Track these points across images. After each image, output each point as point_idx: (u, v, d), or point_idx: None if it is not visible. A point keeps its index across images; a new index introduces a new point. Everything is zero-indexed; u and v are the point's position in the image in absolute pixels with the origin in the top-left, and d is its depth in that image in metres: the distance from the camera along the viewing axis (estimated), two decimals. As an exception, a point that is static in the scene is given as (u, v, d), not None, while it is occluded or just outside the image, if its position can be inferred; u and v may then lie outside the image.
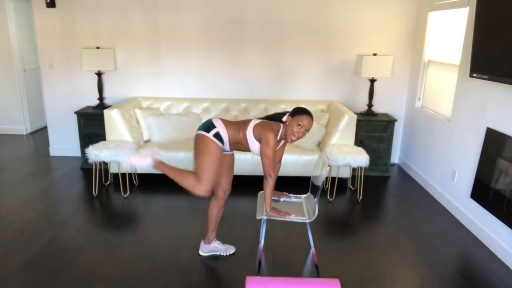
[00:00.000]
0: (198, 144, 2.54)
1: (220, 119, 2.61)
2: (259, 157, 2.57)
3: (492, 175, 3.11)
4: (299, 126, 2.47)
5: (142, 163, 2.53)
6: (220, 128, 2.54)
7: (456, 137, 3.73)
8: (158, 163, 2.56)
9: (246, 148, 2.61)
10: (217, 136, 2.52)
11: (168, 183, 4.32)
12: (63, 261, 2.83)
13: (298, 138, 2.49)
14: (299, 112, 2.50)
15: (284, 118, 2.54)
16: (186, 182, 2.48)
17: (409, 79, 4.91)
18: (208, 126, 2.55)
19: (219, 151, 2.53)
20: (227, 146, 2.59)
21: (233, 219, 3.50)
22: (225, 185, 2.77)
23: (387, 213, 3.73)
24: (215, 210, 2.84)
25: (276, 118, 2.61)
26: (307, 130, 2.49)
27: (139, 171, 4.21)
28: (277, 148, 2.60)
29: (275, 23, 4.70)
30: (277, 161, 2.79)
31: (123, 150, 3.80)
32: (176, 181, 2.52)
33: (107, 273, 2.70)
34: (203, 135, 2.53)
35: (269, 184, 2.52)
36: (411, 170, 4.73)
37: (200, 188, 2.46)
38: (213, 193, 2.81)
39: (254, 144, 2.54)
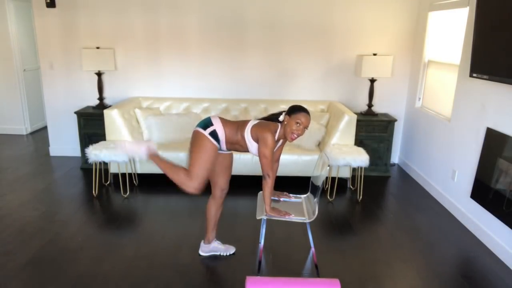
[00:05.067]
0: (194, 140, 2.54)
1: (220, 118, 2.60)
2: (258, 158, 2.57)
3: (492, 175, 3.11)
4: (298, 124, 2.46)
5: (137, 150, 2.53)
6: (218, 126, 2.54)
7: (456, 137, 3.73)
8: (152, 154, 2.56)
9: (244, 149, 2.60)
10: (214, 134, 2.51)
11: (168, 183, 4.33)
12: (63, 261, 2.83)
13: (298, 136, 2.49)
14: (296, 110, 2.50)
15: (281, 118, 2.54)
16: (178, 178, 2.49)
17: (409, 79, 4.91)
18: (206, 123, 2.55)
19: (214, 150, 2.53)
20: (223, 145, 2.58)
21: (233, 219, 3.50)
22: (223, 184, 2.77)
23: (387, 213, 3.73)
24: (213, 210, 2.84)
25: (272, 119, 2.61)
26: (306, 127, 2.49)
27: (138, 171, 4.21)
28: (275, 149, 2.60)
29: (275, 23, 4.70)
30: (275, 160, 2.79)
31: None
32: (168, 175, 2.52)
33: (107, 273, 2.70)
34: (199, 132, 2.52)
35: (268, 184, 2.52)
36: (411, 170, 4.73)
37: (191, 185, 2.46)
38: (210, 192, 2.82)
39: (252, 145, 2.54)
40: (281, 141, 2.65)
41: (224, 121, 2.58)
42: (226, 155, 2.71)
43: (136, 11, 4.68)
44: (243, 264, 2.84)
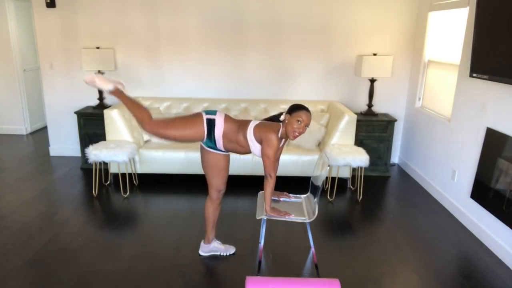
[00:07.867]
0: (191, 115, 2.63)
1: (225, 114, 2.62)
2: (259, 157, 2.58)
3: (492, 175, 3.11)
4: (299, 122, 2.48)
5: (103, 86, 2.54)
6: (219, 119, 2.56)
7: (456, 137, 3.73)
8: (118, 91, 2.57)
9: (245, 150, 2.60)
10: (210, 123, 2.54)
11: (168, 183, 4.35)
12: (63, 261, 2.83)
13: (300, 134, 2.50)
14: (296, 108, 2.51)
15: (282, 117, 2.55)
16: (140, 115, 2.53)
17: (409, 79, 4.91)
18: (211, 112, 2.60)
19: (197, 131, 2.56)
20: (219, 142, 2.58)
21: (233, 219, 3.50)
22: (219, 186, 2.75)
23: (387, 213, 3.73)
24: (210, 210, 2.84)
25: (274, 119, 2.62)
26: (307, 125, 2.51)
27: (138, 171, 4.21)
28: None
29: (275, 23, 4.70)
30: (275, 159, 2.79)
31: (123, 150, 3.80)
32: (129, 110, 2.57)
33: (107, 273, 2.70)
34: (200, 114, 2.59)
35: (270, 184, 2.53)
36: (411, 170, 4.72)
37: (147, 126, 2.52)
38: (207, 193, 2.82)
39: (255, 146, 2.54)
40: (283, 140, 2.66)
41: (227, 118, 2.60)
42: (221, 156, 2.69)
43: (136, 11, 4.68)
44: (243, 264, 2.85)
